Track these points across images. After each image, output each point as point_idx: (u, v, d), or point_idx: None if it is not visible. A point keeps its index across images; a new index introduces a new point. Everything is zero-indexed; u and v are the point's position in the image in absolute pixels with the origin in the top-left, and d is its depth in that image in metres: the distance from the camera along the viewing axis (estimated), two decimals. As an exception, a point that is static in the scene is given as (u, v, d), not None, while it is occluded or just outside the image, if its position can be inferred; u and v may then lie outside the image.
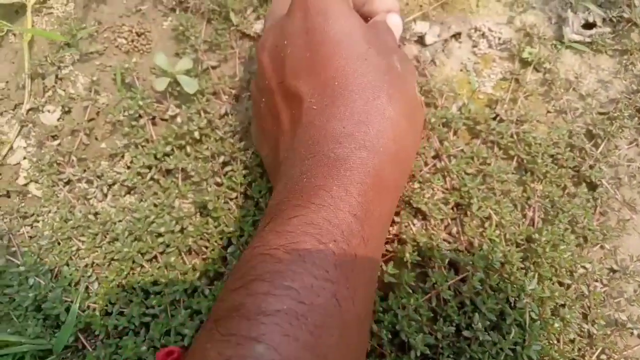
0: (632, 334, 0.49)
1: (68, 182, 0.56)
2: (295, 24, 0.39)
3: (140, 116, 0.56)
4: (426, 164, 0.54)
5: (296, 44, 0.39)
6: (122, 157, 0.57)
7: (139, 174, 0.55)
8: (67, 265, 0.52)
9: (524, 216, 0.54)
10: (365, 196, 0.35)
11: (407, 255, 0.48)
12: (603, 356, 0.48)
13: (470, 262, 0.49)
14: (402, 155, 0.39)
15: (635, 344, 0.50)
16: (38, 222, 0.55)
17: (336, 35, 0.37)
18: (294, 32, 0.39)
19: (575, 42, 0.58)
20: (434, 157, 0.54)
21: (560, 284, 0.50)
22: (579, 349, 0.48)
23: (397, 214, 0.51)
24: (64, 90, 0.60)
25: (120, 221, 0.52)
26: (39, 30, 0.62)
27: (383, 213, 0.38)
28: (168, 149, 0.54)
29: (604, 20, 0.59)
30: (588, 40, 0.58)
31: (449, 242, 0.51)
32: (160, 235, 0.51)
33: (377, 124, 0.37)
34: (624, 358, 0.48)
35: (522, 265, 0.49)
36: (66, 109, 0.59)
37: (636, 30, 0.59)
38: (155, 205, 0.52)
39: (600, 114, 0.58)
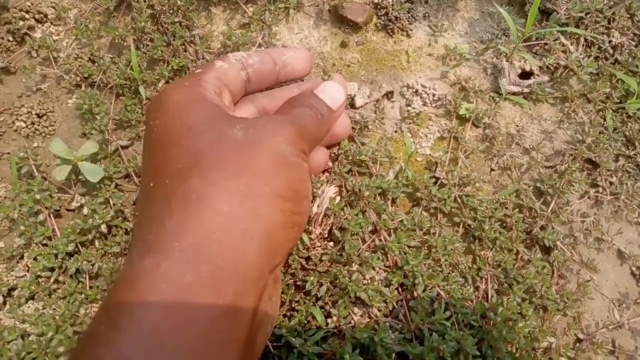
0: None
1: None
2: (145, 129, 0.39)
3: (38, 212, 0.49)
4: (364, 240, 0.49)
5: (144, 148, 0.39)
6: (22, 258, 0.50)
7: (38, 278, 0.48)
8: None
9: (477, 289, 0.49)
10: None
11: (347, 356, 0.42)
12: None
13: (420, 354, 0.43)
14: (236, 242, 0.31)
15: None
16: None
17: (158, 131, 0.36)
18: (144, 137, 0.40)
19: (513, 93, 0.55)
20: (372, 232, 0.49)
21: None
22: None
23: (334, 303, 0.46)
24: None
25: (14, 340, 0.45)
26: None
27: None
28: (71, 247, 0.48)
29: (540, 68, 0.56)
30: (527, 90, 0.55)
31: (396, 330, 0.46)
32: (60, 355, 0.44)
33: (180, 215, 0.31)
34: None
35: (478, 353, 0.43)
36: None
37: (574, 77, 0.56)
38: (53, 319, 0.45)
39: (547, 167, 0.54)
